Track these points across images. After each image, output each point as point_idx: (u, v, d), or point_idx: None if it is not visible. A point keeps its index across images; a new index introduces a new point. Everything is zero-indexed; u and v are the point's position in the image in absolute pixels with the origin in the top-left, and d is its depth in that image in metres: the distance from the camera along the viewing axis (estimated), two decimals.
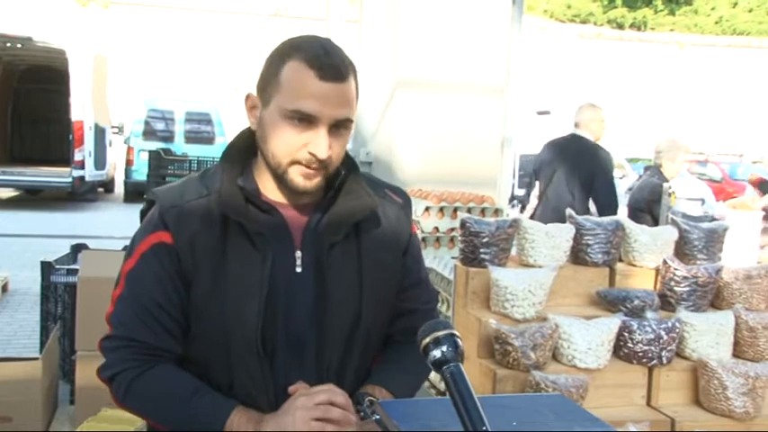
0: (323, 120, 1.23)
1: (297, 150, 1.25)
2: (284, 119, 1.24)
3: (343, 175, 1.35)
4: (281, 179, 1.29)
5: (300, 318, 1.30)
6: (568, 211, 2.66)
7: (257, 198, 1.30)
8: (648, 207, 4.67)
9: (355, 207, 1.32)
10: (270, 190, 1.33)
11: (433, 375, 2.32)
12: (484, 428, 0.91)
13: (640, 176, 6.04)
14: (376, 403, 1.24)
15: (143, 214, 1.37)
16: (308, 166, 1.25)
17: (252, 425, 1.22)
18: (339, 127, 1.25)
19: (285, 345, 1.30)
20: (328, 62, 1.23)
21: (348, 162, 1.37)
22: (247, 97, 1.34)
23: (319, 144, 1.23)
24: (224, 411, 1.23)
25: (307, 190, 1.28)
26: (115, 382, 1.31)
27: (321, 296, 1.30)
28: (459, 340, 1.01)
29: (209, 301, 1.27)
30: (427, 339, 1.01)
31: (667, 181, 4.71)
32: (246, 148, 1.36)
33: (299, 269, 1.30)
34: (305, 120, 1.23)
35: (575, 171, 4.72)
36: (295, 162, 1.25)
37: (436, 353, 0.99)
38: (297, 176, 1.26)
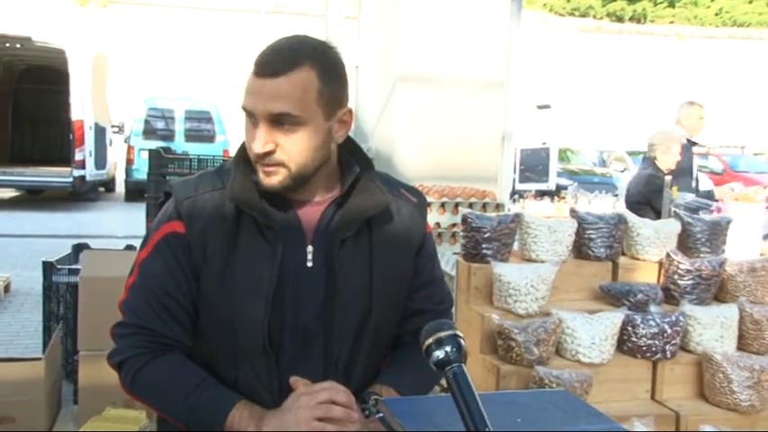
0: (259, 115, 1.24)
1: (251, 148, 1.28)
2: (245, 118, 1.29)
3: (358, 172, 1.35)
4: None
5: (309, 313, 1.30)
6: (569, 205, 2.65)
7: (271, 193, 1.30)
8: (646, 199, 4.66)
9: (368, 204, 1.33)
10: None
11: None
12: (486, 430, 0.90)
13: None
14: (380, 401, 1.23)
15: (160, 206, 1.39)
16: (261, 163, 1.27)
17: (253, 422, 1.21)
18: (283, 123, 1.24)
19: (292, 340, 1.30)
20: (265, 59, 1.25)
21: (363, 160, 1.38)
22: None
23: (256, 139, 1.25)
24: (226, 406, 1.23)
25: (270, 188, 1.28)
26: (123, 368, 1.31)
27: (331, 291, 1.30)
28: (462, 341, 1.00)
29: (217, 292, 1.28)
30: (430, 340, 1.00)
31: (662, 173, 4.69)
32: None
33: (309, 264, 1.31)
34: (251, 117, 1.26)
35: None
36: (256, 160, 1.28)
37: (439, 353, 0.98)
38: (260, 173, 1.28)
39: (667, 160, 4.76)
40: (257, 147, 1.24)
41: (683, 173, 5.15)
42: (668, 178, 4.41)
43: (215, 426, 1.22)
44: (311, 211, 1.34)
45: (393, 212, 1.37)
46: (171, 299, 1.30)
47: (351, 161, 1.37)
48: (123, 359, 1.31)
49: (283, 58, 1.24)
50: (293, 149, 1.26)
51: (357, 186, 1.34)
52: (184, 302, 1.30)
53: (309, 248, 1.31)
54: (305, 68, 1.24)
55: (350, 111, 1.34)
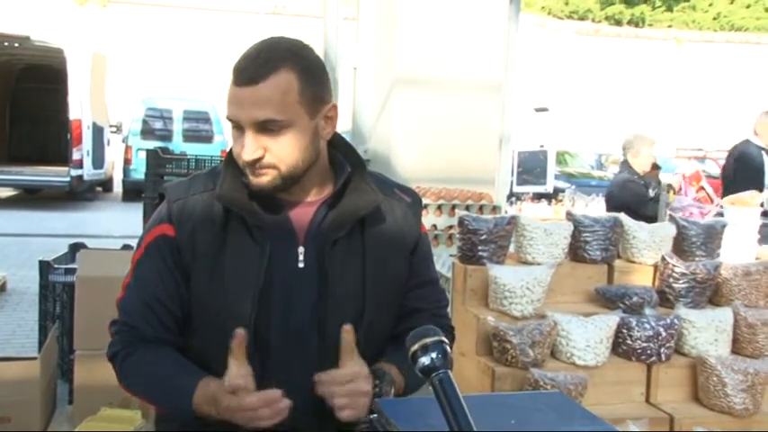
0: (244, 123, 1.26)
1: (240, 154, 1.29)
2: (230, 126, 1.30)
3: (350, 172, 1.35)
4: None
5: (301, 314, 1.31)
6: (566, 208, 2.66)
7: (261, 194, 1.31)
8: (624, 204, 4.63)
9: (359, 204, 1.33)
10: None
11: None
12: None
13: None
14: (374, 402, 1.23)
15: (156, 207, 1.41)
16: (250, 168, 1.28)
17: (212, 405, 1.21)
18: (268, 128, 1.25)
19: (283, 340, 1.30)
20: (242, 66, 1.26)
21: (355, 160, 1.38)
22: None
23: (245, 147, 1.26)
24: (191, 389, 1.24)
25: (261, 189, 1.29)
26: (116, 360, 1.35)
27: (323, 292, 1.30)
28: (447, 347, 1.00)
29: (207, 292, 1.30)
30: (415, 346, 1.00)
31: (638, 175, 4.67)
32: None
33: (301, 265, 1.31)
34: (236, 125, 1.28)
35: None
36: (245, 165, 1.29)
37: (425, 360, 0.98)
38: (251, 177, 1.29)
39: (639, 163, 4.71)
40: (246, 155, 1.26)
41: (754, 180, 5.07)
42: (668, 184, 4.42)
43: (186, 409, 1.24)
44: (303, 212, 1.34)
45: (385, 212, 1.38)
46: (159, 303, 1.32)
47: (343, 161, 1.38)
48: (115, 352, 1.35)
49: (259, 63, 1.25)
50: (282, 152, 1.27)
51: (349, 186, 1.34)
52: (173, 306, 1.33)
53: (301, 249, 1.31)
54: (282, 71, 1.25)
55: (334, 106, 1.34)
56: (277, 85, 1.24)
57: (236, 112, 1.26)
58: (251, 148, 1.25)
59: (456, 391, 0.95)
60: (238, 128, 1.27)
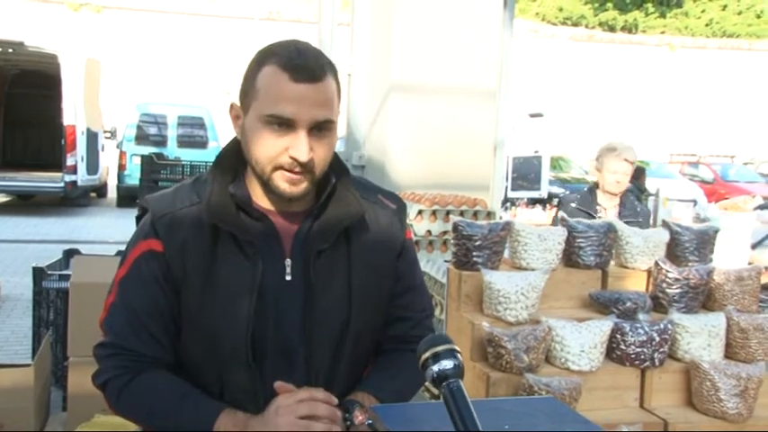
0: (301, 122, 1.21)
1: (278, 155, 1.23)
2: (264, 124, 1.23)
3: (334, 182, 1.34)
4: (267, 186, 1.28)
5: (290, 326, 1.30)
6: (560, 213, 2.67)
7: (248, 205, 1.30)
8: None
9: (343, 214, 1.31)
10: (261, 197, 1.33)
11: None
12: None
13: None
14: (369, 408, 1.23)
15: (138, 220, 1.38)
16: (291, 171, 1.24)
17: (238, 427, 1.21)
18: (320, 129, 1.23)
19: (274, 353, 1.29)
20: (301, 63, 1.21)
21: (339, 168, 1.36)
22: (231, 107, 1.34)
23: (299, 147, 1.21)
24: (211, 414, 1.23)
25: (293, 196, 1.26)
26: (108, 388, 1.32)
27: (309, 304, 1.29)
28: (459, 355, 0.99)
29: (199, 308, 1.28)
30: (426, 354, 0.99)
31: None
32: (239, 155, 1.34)
33: (288, 277, 1.30)
34: (284, 124, 1.22)
35: None
36: (278, 167, 1.24)
37: (435, 368, 0.97)
38: (281, 182, 1.25)
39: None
40: (302, 155, 1.21)
41: None
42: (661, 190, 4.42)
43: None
44: (289, 222, 1.32)
45: (370, 221, 1.36)
46: (151, 318, 1.29)
47: (327, 170, 1.35)
48: (107, 379, 1.31)
49: (315, 63, 1.23)
50: (323, 155, 1.25)
51: (333, 196, 1.33)
52: (164, 322, 1.30)
53: (288, 261, 1.30)
54: (329, 74, 1.25)
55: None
56: (330, 86, 1.24)
57: (295, 109, 1.20)
58: (306, 148, 1.21)
59: (467, 401, 0.94)
60: (283, 127, 1.22)
